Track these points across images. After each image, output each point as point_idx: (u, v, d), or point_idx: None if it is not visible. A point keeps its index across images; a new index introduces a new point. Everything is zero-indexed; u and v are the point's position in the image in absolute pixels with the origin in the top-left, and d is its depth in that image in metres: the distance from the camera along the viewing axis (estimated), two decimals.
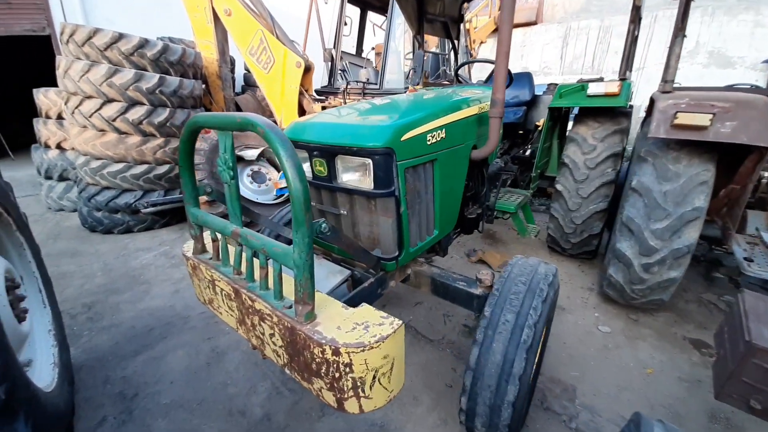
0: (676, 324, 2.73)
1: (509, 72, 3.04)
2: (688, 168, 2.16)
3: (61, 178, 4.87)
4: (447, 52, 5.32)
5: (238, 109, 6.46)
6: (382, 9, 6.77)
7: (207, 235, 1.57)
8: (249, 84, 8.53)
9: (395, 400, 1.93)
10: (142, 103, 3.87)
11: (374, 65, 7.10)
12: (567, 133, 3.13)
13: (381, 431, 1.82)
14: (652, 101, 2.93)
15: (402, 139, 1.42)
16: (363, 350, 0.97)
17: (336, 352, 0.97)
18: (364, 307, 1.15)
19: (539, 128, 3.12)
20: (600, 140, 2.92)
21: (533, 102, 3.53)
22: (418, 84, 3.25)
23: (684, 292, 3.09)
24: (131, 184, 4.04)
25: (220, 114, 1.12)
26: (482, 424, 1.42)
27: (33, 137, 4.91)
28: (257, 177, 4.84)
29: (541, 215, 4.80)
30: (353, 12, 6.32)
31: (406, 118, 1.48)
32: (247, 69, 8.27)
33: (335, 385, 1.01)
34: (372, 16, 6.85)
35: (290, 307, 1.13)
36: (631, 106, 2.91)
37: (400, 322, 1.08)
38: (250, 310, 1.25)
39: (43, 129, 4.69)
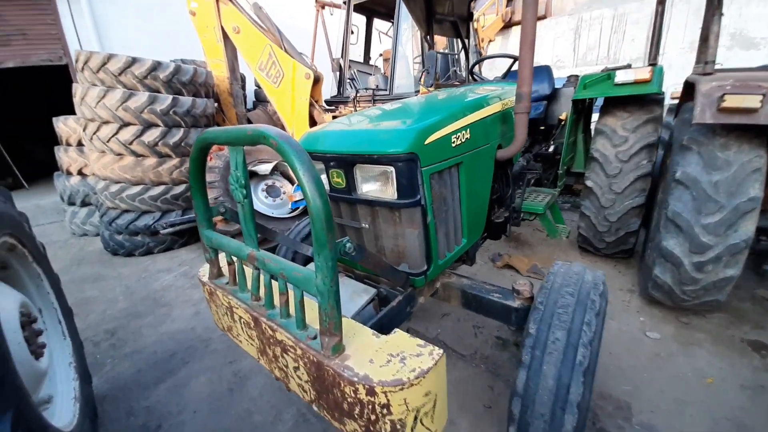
0: (732, 325, 2.48)
1: None
2: (739, 155, 1.95)
3: (84, 204, 4.97)
4: (456, 52, 5.21)
5: (250, 123, 6.51)
6: (388, 15, 6.75)
7: (223, 257, 1.48)
8: (260, 99, 8.64)
9: None
10: (157, 125, 3.90)
11: (383, 71, 7.05)
12: (594, 126, 2.94)
13: None
14: (687, 85, 2.72)
15: (426, 143, 1.30)
16: (402, 389, 0.84)
17: (371, 391, 0.84)
18: (397, 334, 1.02)
19: (563, 123, 2.94)
20: (632, 131, 2.72)
21: (553, 96, 3.35)
22: (431, 85, 3.14)
23: (735, 289, 2.80)
24: (150, 206, 4.07)
25: (230, 128, 1.03)
26: None
27: (56, 165, 5.05)
28: (272, 191, 4.80)
29: (567, 213, 4.57)
30: (359, 20, 6.31)
31: (428, 120, 1.35)
32: (257, 85, 8.39)
33: (371, 428, 0.88)
34: (377, 24, 6.83)
35: (315, 337, 1.01)
36: (662, 93, 2.69)
37: (441, 351, 0.94)
38: (272, 341, 1.14)
39: (64, 156, 4.81)
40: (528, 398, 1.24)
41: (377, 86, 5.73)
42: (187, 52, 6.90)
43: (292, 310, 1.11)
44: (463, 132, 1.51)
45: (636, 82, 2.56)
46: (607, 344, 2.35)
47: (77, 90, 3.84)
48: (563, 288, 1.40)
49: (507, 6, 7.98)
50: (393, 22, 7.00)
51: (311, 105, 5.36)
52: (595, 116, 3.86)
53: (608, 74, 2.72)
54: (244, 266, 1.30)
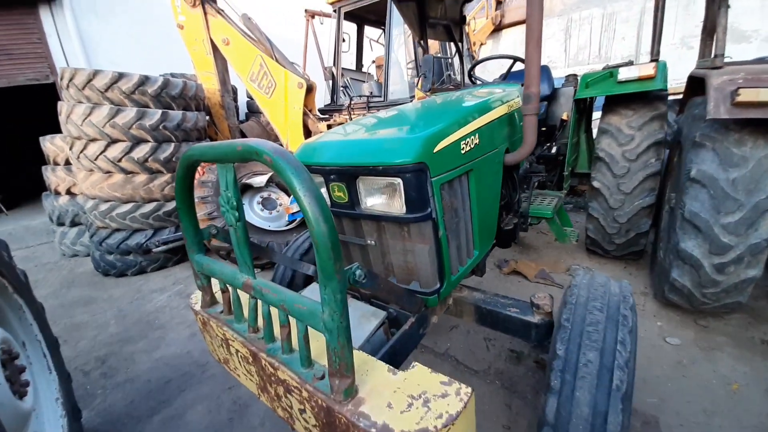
0: (751, 326, 2.38)
1: None
2: (755, 150, 1.87)
3: (73, 224, 4.82)
4: (450, 56, 5.15)
5: (244, 136, 6.40)
6: (378, 22, 6.72)
7: (216, 284, 1.36)
8: (252, 111, 8.57)
9: None
10: (147, 141, 3.78)
11: (376, 78, 7.00)
12: (599, 125, 2.86)
13: None
14: (692, 80, 2.65)
15: (435, 151, 1.20)
16: None
17: None
18: (417, 369, 0.90)
19: (565, 123, 2.86)
20: (637, 129, 2.64)
21: (553, 96, 3.28)
22: (429, 90, 3.06)
23: None
24: (141, 224, 3.93)
25: (218, 144, 0.92)
26: None
27: (45, 185, 4.90)
28: (267, 204, 4.68)
29: (570, 215, 4.48)
30: (350, 28, 6.26)
31: (435, 126, 1.25)
32: (249, 96, 8.31)
33: None
34: (368, 32, 6.80)
35: (322, 377, 0.89)
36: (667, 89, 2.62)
37: (469, 390, 0.82)
38: (273, 379, 1.01)
39: (52, 176, 4.67)
40: (560, 428, 1.12)
41: (371, 93, 5.67)
42: (176, 66, 6.82)
43: (295, 343, 0.99)
44: (472, 137, 1.41)
45: (640, 79, 2.49)
46: None
47: (63, 108, 3.72)
48: (590, 302, 1.29)
49: (496, 9, 8.00)
50: (384, 29, 6.99)
51: (305, 114, 5.27)
52: (595, 115, 3.80)
53: (610, 72, 2.65)
54: (239, 294, 1.18)
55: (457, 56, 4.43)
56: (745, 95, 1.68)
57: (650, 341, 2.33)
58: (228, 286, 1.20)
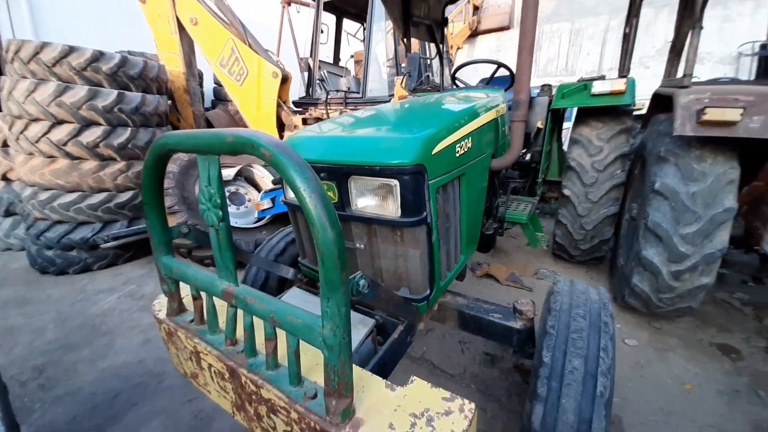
0: (699, 329, 2.60)
1: (512, 72, 2.88)
2: (714, 166, 2.03)
3: (8, 213, 4.24)
4: (429, 57, 5.16)
5: (210, 125, 6.02)
6: (358, 16, 6.60)
7: (186, 289, 1.22)
8: (219, 98, 8.08)
9: None
10: (99, 124, 3.40)
11: (354, 74, 6.87)
12: (570, 135, 2.98)
13: None
14: (656, 97, 2.84)
15: (433, 153, 1.15)
16: None
17: None
18: (416, 384, 0.85)
19: (541, 131, 2.96)
20: (606, 141, 2.79)
21: (529, 104, 3.38)
22: (414, 89, 3.03)
23: None
24: (88, 216, 3.53)
25: (200, 132, 0.80)
26: None
27: None
28: (235, 198, 4.42)
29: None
30: (329, 20, 6.09)
31: (433, 127, 1.21)
32: (216, 82, 7.84)
33: None
34: (345, 25, 6.66)
35: (314, 396, 0.81)
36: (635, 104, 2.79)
37: (473, 405, 0.79)
38: (254, 397, 0.92)
39: None
40: None
41: (349, 89, 5.55)
42: (134, 44, 6.25)
43: (281, 358, 0.90)
44: (466, 141, 1.39)
45: (612, 93, 2.62)
46: None
47: (5, 83, 3.26)
48: (573, 309, 1.31)
49: (474, 15, 8.17)
50: (364, 24, 6.88)
51: (279, 106, 5.05)
52: (565, 125, 3.98)
53: (585, 84, 2.77)
54: (215, 302, 1.06)
55: (437, 57, 4.45)
56: (711, 114, 1.81)
57: None
58: (201, 293, 1.07)
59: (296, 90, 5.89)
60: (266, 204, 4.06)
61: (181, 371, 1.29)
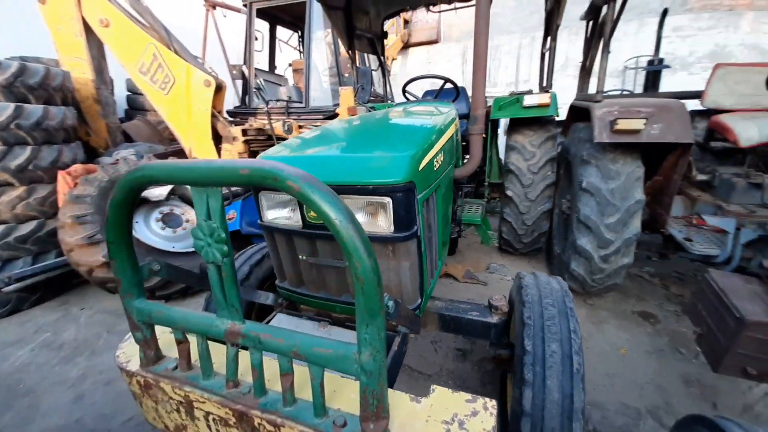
0: (622, 301, 3.08)
1: (456, 86, 3.11)
2: (625, 166, 2.45)
3: None
4: (369, 69, 5.27)
5: (128, 138, 5.34)
6: (293, 24, 6.47)
7: (165, 334, 1.10)
8: (134, 107, 7.21)
9: None
10: None
11: (294, 83, 6.69)
12: (507, 142, 3.33)
13: None
14: (573, 109, 3.32)
15: (419, 169, 1.21)
16: None
17: None
18: (438, 392, 0.89)
19: (484, 138, 3.25)
20: (537, 147, 3.17)
21: (467, 115, 3.68)
22: (367, 102, 3.08)
23: None
24: None
25: (195, 163, 0.74)
26: None
27: None
28: (170, 220, 3.98)
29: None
30: (261, 26, 5.86)
31: (416, 144, 1.27)
32: (131, 90, 7.00)
33: None
34: (279, 33, 6.48)
35: (344, 424, 0.80)
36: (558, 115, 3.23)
37: (494, 402, 0.86)
38: None
39: None
40: (537, 416, 1.25)
41: (290, 98, 5.40)
42: (27, 48, 5.26)
43: (299, 394, 0.87)
44: (440, 155, 1.48)
45: (540, 106, 3.00)
46: None
47: None
48: (543, 299, 1.48)
49: (405, 28, 8.58)
50: (301, 32, 6.75)
51: (214, 117, 4.70)
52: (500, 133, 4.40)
53: (517, 98, 3.12)
54: (208, 344, 0.97)
55: (379, 69, 4.59)
56: (622, 124, 2.20)
57: None
58: (187, 336, 0.98)
59: (230, 99, 5.54)
60: None
61: (160, 426, 1.14)
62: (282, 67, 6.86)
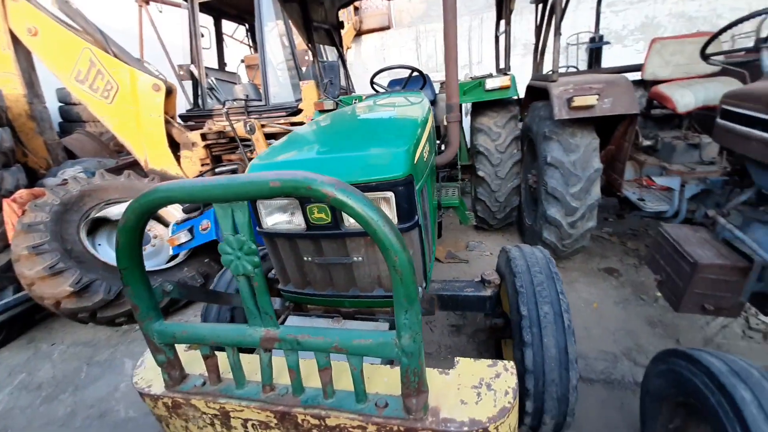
0: (588, 260, 3.39)
1: (423, 74, 3.17)
2: (583, 139, 2.68)
3: None
4: (336, 63, 5.17)
5: (71, 155, 4.88)
6: (239, 18, 6.15)
7: (189, 354, 1.10)
8: (69, 119, 6.58)
9: None
10: None
11: (249, 80, 6.41)
12: (472, 125, 3.47)
13: None
14: (530, 89, 3.53)
15: (415, 162, 1.28)
16: (509, 415, 0.83)
17: None
18: (462, 362, 0.99)
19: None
20: (502, 127, 3.35)
21: (434, 101, 3.79)
22: (337, 97, 3.05)
23: None
24: None
25: (223, 179, 0.75)
26: (551, 417, 1.43)
27: None
28: None
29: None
30: (206, 21, 5.52)
31: (408, 138, 1.33)
32: (63, 100, 6.36)
33: None
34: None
35: (385, 405, 0.88)
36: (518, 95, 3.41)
37: (512, 363, 0.97)
38: (316, 431, 0.92)
39: None
40: (538, 372, 1.40)
41: (247, 96, 5.18)
42: None
43: (337, 385, 0.93)
44: (426, 146, 1.56)
45: (501, 88, 3.16)
46: None
47: None
48: (531, 268, 1.63)
49: (356, 15, 8.45)
50: (249, 25, 6.43)
51: (167, 122, 4.44)
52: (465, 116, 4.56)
53: (479, 82, 3.26)
54: (240, 355, 0.99)
55: (339, 61, 4.53)
56: (578, 101, 2.39)
57: None
58: (215, 350, 1.00)
59: (181, 102, 5.21)
60: (183, 237, 3.56)
61: None
62: (232, 64, 6.52)
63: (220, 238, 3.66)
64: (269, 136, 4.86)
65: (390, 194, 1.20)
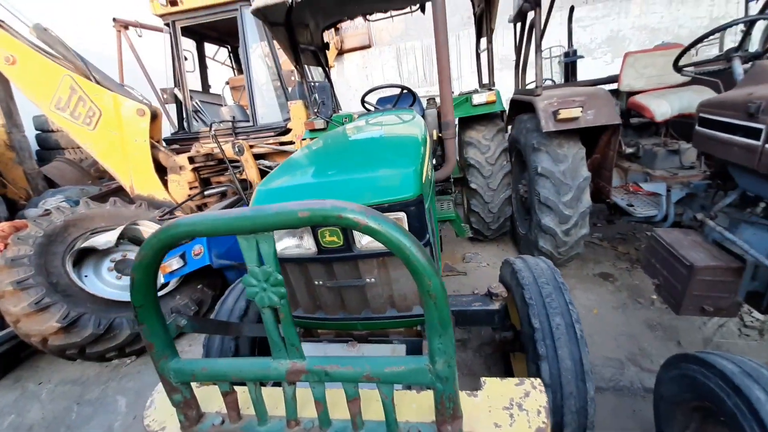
0: (582, 267, 3.46)
1: (412, 92, 3.24)
2: (570, 149, 2.78)
3: None
4: (327, 83, 5.22)
5: (51, 183, 4.71)
6: (220, 40, 6.18)
7: (206, 391, 1.05)
8: (47, 147, 6.38)
9: None
10: None
11: (235, 101, 6.39)
12: (462, 139, 3.55)
13: None
14: (514, 102, 3.65)
15: (423, 181, 1.29)
16: None
17: None
18: (489, 383, 0.98)
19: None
20: (491, 140, 3.44)
21: (423, 116, 3.86)
22: (330, 117, 3.07)
23: None
24: None
25: (248, 211, 0.74)
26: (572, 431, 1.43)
27: None
28: (124, 267, 3.63)
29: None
30: (188, 45, 5.51)
31: (414, 158, 1.35)
32: (40, 128, 6.18)
33: None
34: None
35: None
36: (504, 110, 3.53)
37: (539, 380, 0.97)
38: None
39: None
40: (555, 385, 1.40)
41: (234, 117, 5.16)
42: None
43: (366, 415, 0.90)
44: (429, 164, 1.58)
45: (487, 103, 3.26)
46: None
47: None
48: (538, 279, 1.65)
49: (336, 35, 8.63)
50: (231, 47, 6.46)
51: (153, 147, 4.36)
52: None
53: (466, 98, 3.36)
54: (262, 390, 0.96)
55: (325, 80, 4.59)
56: (563, 114, 2.49)
57: None
58: (235, 386, 0.96)
59: (165, 126, 5.14)
60: (175, 264, 3.45)
61: None
62: (215, 86, 6.51)
63: (213, 262, 3.56)
64: (258, 157, 4.83)
65: (402, 215, 1.21)
